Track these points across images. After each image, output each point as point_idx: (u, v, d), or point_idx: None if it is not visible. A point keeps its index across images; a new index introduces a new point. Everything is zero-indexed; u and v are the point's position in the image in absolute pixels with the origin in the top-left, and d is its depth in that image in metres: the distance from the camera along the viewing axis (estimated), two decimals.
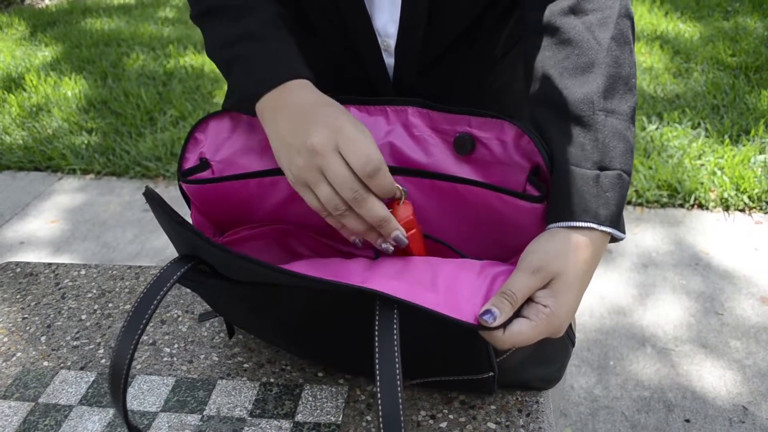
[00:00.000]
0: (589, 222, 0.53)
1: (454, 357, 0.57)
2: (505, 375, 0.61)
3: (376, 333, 0.47)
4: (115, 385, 0.51)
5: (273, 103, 0.59)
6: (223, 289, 0.55)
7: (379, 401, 0.45)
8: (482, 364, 0.57)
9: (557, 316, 0.51)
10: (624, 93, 0.58)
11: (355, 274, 0.56)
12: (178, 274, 0.52)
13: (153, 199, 0.55)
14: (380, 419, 0.45)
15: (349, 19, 0.68)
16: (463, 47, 0.71)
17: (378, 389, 0.46)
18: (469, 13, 0.69)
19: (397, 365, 0.46)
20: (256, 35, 0.62)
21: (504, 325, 0.49)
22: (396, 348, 0.47)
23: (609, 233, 0.54)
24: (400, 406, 0.45)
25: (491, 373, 0.58)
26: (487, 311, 0.49)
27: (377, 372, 0.46)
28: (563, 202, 0.54)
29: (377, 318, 0.48)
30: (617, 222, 0.55)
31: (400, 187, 0.56)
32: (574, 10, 0.60)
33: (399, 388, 0.45)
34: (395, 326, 0.47)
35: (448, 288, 0.53)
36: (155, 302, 0.51)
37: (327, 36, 0.72)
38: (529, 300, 0.52)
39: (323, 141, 0.53)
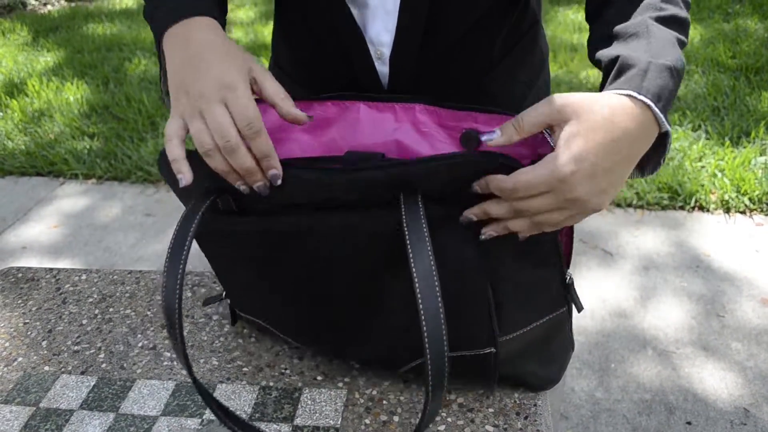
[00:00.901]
0: (629, 90, 0.51)
1: (456, 320, 0.58)
2: (505, 365, 0.61)
3: (405, 224, 0.49)
4: (170, 323, 0.52)
5: (174, 38, 0.59)
6: (243, 230, 0.57)
7: (419, 300, 0.47)
8: (484, 335, 0.58)
9: (561, 160, 0.48)
10: (675, 28, 0.57)
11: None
12: (206, 204, 0.54)
13: (165, 157, 0.57)
14: (422, 312, 0.47)
15: (341, 27, 0.69)
16: (458, 53, 0.71)
17: (417, 287, 0.47)
18: (468, 19, 0.69)
19: (429, 250, 0.48)
20: None
21: (506, 170, 0.50)
22: (425, 232, 0.49)
23: (648, 106, 0.51)
24: (438, 298, 0.47)
25: (492, 349, 0.58)
26: (489, 131, 0.51)
27: (412, 267, 0.48)
28: (608, 81, 0.54)
29: (404, 208, 0.50)
30: (660, 100, 0.52)
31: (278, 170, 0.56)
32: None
33: (436, 284, 0.47)
34: (421, 210, 0.50)
35: None
36: (189, 238, 0.52)
37: (324, 42, 0.73)
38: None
39: (211, 91, 0.53)
